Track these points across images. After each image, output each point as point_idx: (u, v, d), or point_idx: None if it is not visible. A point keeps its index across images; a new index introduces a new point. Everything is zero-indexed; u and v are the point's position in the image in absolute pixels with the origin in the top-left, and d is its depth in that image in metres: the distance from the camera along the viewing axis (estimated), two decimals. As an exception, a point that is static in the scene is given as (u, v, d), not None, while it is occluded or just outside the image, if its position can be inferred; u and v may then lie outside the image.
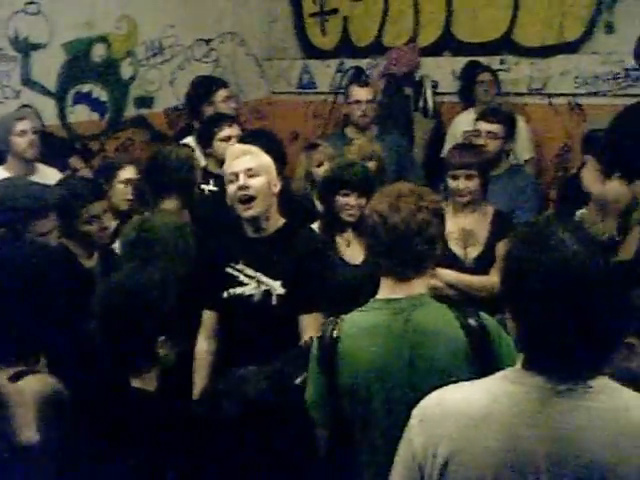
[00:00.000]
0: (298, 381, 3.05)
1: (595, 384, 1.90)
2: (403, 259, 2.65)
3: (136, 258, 3.70)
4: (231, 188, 3.57)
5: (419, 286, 2.68)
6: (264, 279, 3.58)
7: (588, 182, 4.15)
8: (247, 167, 3.55)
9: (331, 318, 2.76)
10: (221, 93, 6.19)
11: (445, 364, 2.57)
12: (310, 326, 3.53)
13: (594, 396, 1.89)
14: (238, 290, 3.61)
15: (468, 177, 4.20)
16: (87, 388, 2.73)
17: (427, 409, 2.04)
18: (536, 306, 1.88)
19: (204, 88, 6.38)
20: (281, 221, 3.68)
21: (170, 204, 4.27)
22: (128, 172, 4.78)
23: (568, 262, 1.87)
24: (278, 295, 3.56)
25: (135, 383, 2.62)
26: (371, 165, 4.67)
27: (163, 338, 2.62)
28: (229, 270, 3.63)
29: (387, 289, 2.70)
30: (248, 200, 3.54)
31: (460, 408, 1.98)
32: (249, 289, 3.59)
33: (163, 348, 2.63)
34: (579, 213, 4.47)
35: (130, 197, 4.69)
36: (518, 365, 1.98)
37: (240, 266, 3.63)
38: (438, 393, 2.06)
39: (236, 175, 3.56)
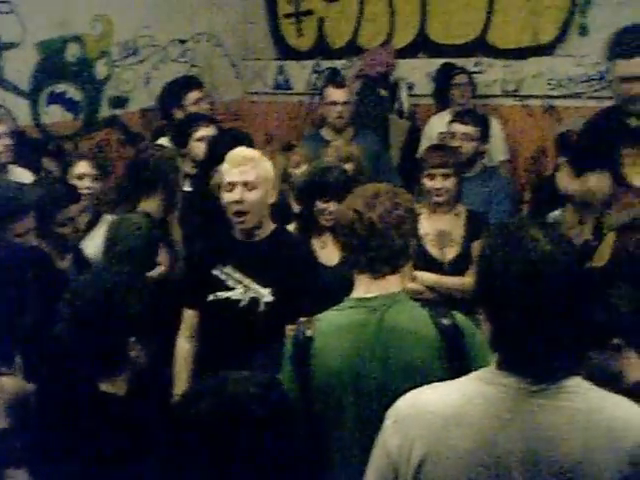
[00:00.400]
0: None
1: (568, 384, 1.92)
2: (379, 255, 2.66)
3: (105, 260, 3.71)
4: (227, 197, 3.57)
5: (394, 284, 2.69)
6: (253, 285, 3.57)
7: (563, 183, 4.22)
8: (245, 180, 3.53)
9: (305, 318, 2.77)
10: (192, 95, 6.17)
11: (418, 363, 2.58)
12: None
13: (567, 396, 1.91)
14: (225, 294, 3.59)
15: (445, 176, 4.27)
16: (55, 391, 2.71)
17: (401, 410, 2.05)
18: (509, 307, 1.89)
19: (175, 90, 6.41)
20: (272, 226, 3.69)
21: (152, 203, 4.24)
22: (81, 167, 4.81)
23: (541, 262, 1.88)
24: (266, 303, 3.56)
25: (105, 387, 2.60)
26: (349, 167, 4.69)
27: (134, 340, 2.60)
28: (216, 273, 3.62)
29: (362, 287, 2.70)
30: (242, 213, 3.55)
31: (435, 409, 1.99)
32: (236, 294, 3.58)
33: (134, 350, 2.61)
34: (552, 215, 4.51)
35: (86, 191, 4.69)
36: (492, 365, 1.99)
37: (228, 269, 3.61)
38: (412, 394, 2.07)
39: (233, 185, 3.55)
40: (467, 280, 3.96)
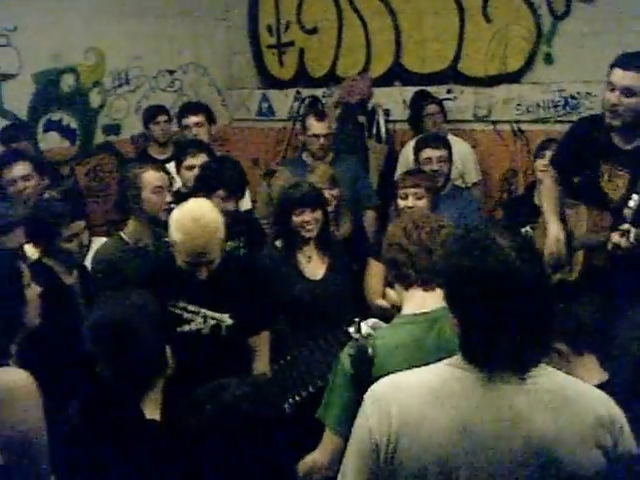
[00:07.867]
0: (291, 401, 3.35)
1: (534, 370, 2.04)
2: (428, 268, 2.74)
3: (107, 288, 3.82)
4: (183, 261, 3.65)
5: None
6: (210, 314, 3.69)
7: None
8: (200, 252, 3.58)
9: (361, 337, 2.76)
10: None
11: None
12: (259, 345, 3.77)
13: (533, 380, 2.02)
14: (185, 328, 3.69)
15: (417, 196, 4.43)
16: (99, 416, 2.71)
17: (379, 391, 2.13)
18: (476, 309, 2.00)
19: (146, 117, 6.65)
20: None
21: (133, 224, 4.48)
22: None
23: (505, 270, 1.96)
24: (227, 326, 3.71)
25: (147, 412, 2.66)
26: (335, 190, 4.88)
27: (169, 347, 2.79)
28: (171, 309, 3.66)
29: (415, 302, 2.78)
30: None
31: (412, 388, 2.07)
32: (195, 324, 3.69)
33: (170, 355, 2.81)
34: (523, 230, 4.75)
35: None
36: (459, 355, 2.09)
37: (182, 304, 3.70)
38: (389, 377, 2.17)
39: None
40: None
